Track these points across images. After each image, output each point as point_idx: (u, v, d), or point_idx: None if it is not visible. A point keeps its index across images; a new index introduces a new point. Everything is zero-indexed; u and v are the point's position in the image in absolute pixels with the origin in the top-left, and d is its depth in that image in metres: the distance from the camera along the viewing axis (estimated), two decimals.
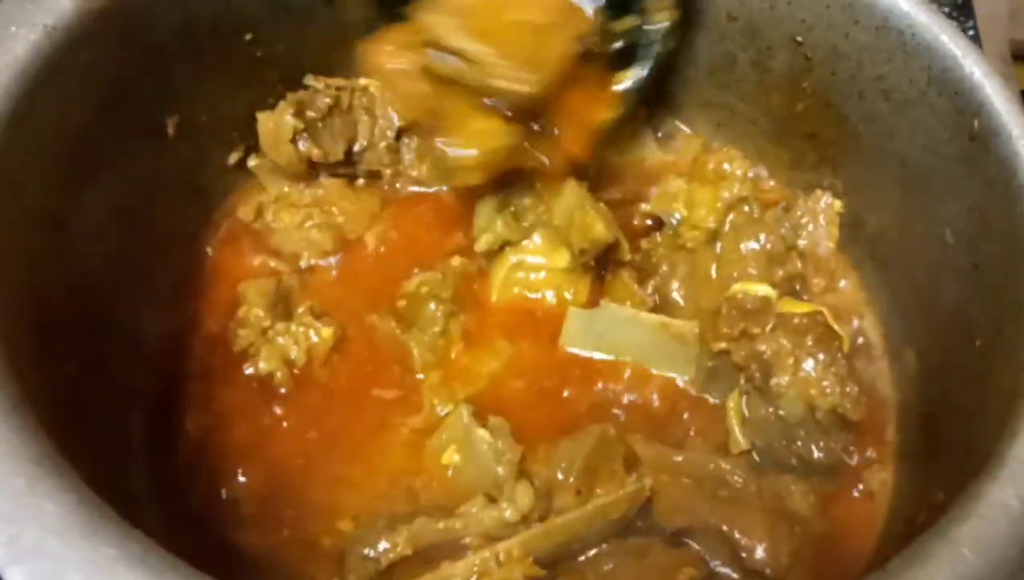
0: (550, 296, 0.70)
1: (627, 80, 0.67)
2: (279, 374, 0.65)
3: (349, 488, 0.61)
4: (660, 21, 0.66)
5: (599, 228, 0.66)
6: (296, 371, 0.65)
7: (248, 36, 0.67)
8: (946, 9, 1.02)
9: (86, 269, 0.58)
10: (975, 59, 0.58)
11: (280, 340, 0.65)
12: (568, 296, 0.70)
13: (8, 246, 0.49)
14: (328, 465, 0.62)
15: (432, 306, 0.68)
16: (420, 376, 0.66)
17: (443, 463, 0.62)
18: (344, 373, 0.66)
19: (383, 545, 0.55)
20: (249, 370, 0.65)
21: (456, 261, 0.70)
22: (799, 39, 0.67)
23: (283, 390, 0.65)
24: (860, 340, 0.69)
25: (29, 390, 0.43)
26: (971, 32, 1.01)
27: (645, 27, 0.66)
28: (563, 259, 0.69)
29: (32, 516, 0.36)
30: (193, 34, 0.63)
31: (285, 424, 0.64)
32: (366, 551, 0.56)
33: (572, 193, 0.68)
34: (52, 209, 0.55)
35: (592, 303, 0.69)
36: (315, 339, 0.66)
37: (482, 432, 0.60)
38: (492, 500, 0.57)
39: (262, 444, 0.62)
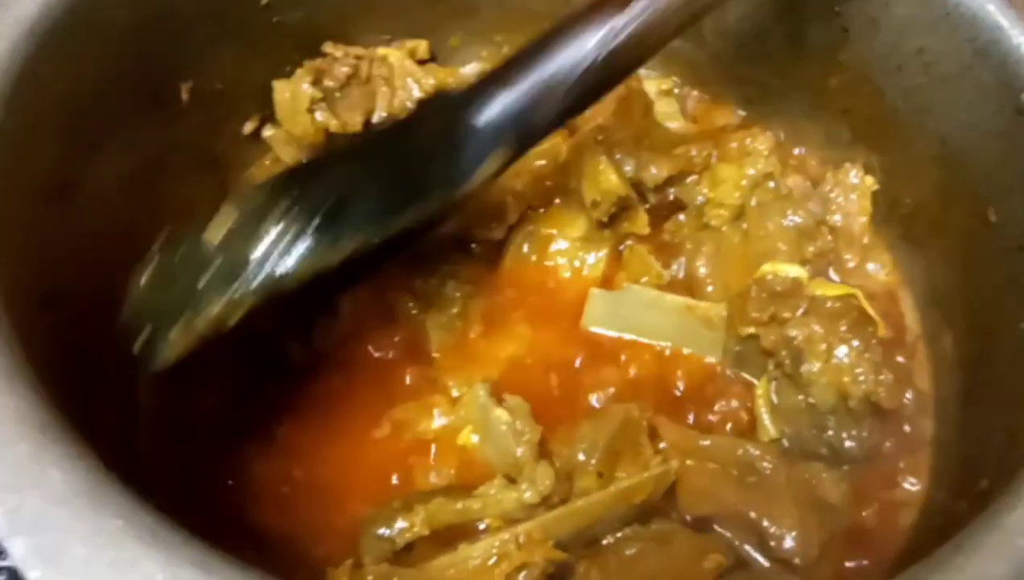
0: (563, 262, 0.68)
1: None
2: (294, 350, 0.63)
3: (363, 468, 0.60)
4: None
5: (611, 177, 0.64)
6: (311, 347, 0.64)
7: (265, 1, 0.65)
8: None
9: (94, 238, 0.56)
10: (1023, 30, 0.55)
11: None
12: (583, 265, 0.68)
13: (14, 212, 0.48)
14: (342, 445, 0.60)
15: (451, 286, 0.66)
16: (436, 355, 0.64)
17: (460, 443, 0.60)
18: (359, 352, 0.64)
19: (400, 525, 0.54)
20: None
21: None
22: (837, 9, 0.64)
23: (297, 366, 0.63)
24: (895, 325, 0.67)
25: (34, 359, 0.41)
26: None
27: None
28: (579, 228, 0.68)
29: (35, 484, 0.35)
30: None
31: (299, 402, 0.62)
32: (382, 531, 0.54)
33: (585, 146, 0.67)
34: (60, 174, 0.53)
35: (609, 277, 0.68)
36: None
37: (499, 412, 0.59)
38: (511, 481, 0.55)
39: (274, 422, 0.61)
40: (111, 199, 0.58)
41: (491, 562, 0.52)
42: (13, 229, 0.47)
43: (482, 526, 0.55)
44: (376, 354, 0.65)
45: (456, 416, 0.61)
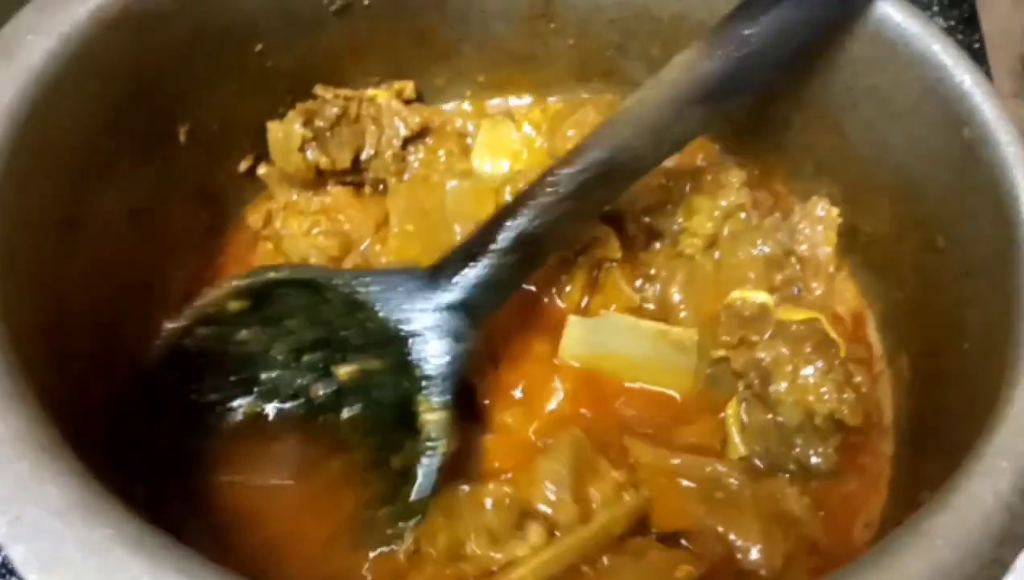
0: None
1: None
2: None
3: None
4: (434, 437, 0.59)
5: None
6: None
7: (259, 47, 0.69)
8: (952, 22, 1.03)
9: (98, 270, 0.59)
10: (965, 68, 0.59)
11: None
12: (560, 291, 0.71)
13: (21, 245, 0.50)
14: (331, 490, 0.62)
15: None
16: None
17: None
18: None
19: None
20: None
21: None
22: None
23: None
24: (861, 347, 0.70)
25: (35, 383, 0.44)
26: (976, 45, 1.01)
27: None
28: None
29: (34, 498, 0.38)
30: (205, 45, 0.65)
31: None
32: None
33: None
34: (65, 210, 0.56)
35: (587, 301, 0.71)
36: None
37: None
38: (495, 540, 0.57)
39: (267, 462, 0.62)
40: (114, 233, 0.62)
41: None
42: (20, 262, 0.50)
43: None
44: None
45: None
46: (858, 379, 0.64)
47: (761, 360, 0.64)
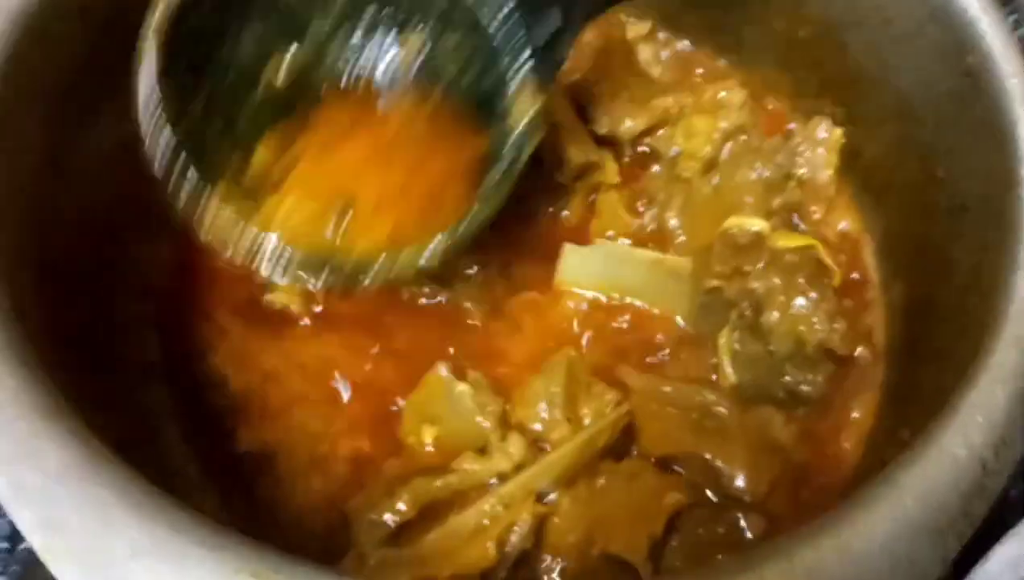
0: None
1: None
2: (295, 307, 0.65)
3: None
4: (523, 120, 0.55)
5: (572, 151, 0.68)
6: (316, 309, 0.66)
7: None
8: None
9: (90, 206, 0.59)
10: None
11: None
12: (557, 214, 0.71)
13: (9, 195, 0.51)
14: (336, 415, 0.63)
15: None
16: None
17: (425, 428, 0.62)
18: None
19: (387, 513, 0.57)
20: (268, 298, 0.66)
21: None
22: None
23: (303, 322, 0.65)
24: (854, 274, 0.70)
25: (34, 334, 0.45)
26: None
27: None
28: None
29: (34, 459, 0.39)
30: None
31: (299, 366, 0.64)
32: (372, 518, 0.57)
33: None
34: (54, 148, 0.56)
35: (583, 227, 0.71)
36: None
37: (462, 387, 0.61)
38: (482, 453, 0.59)
39: (271, 389, 0.64)
40: (105, 166, 0.61)
41: (483, 526, 0.55)
42: (10, 212, 0.51)
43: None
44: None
45: (419, 394, 0.62)
46: (851, 308, 0.64)
47: (754, 290, 0.64)
